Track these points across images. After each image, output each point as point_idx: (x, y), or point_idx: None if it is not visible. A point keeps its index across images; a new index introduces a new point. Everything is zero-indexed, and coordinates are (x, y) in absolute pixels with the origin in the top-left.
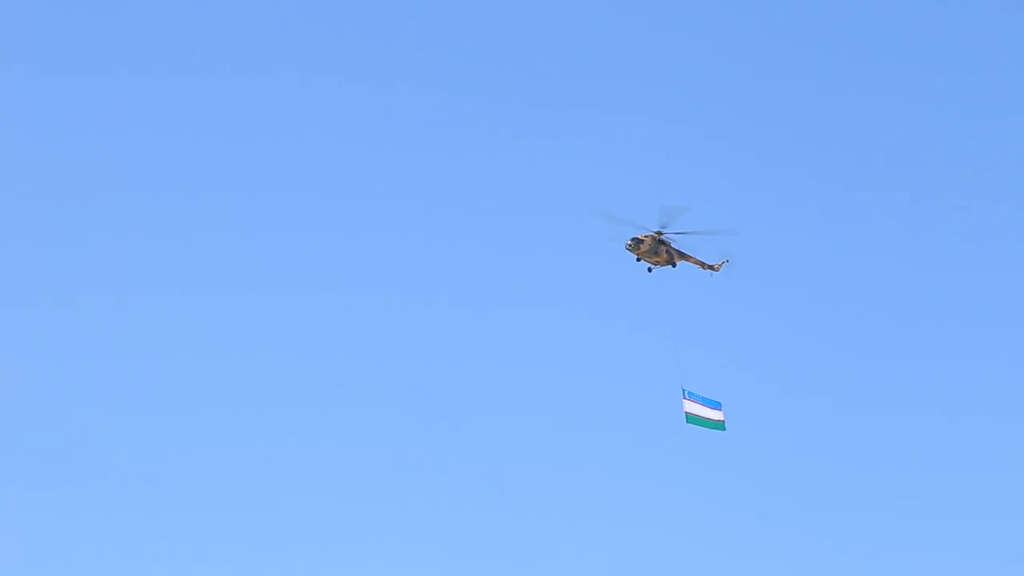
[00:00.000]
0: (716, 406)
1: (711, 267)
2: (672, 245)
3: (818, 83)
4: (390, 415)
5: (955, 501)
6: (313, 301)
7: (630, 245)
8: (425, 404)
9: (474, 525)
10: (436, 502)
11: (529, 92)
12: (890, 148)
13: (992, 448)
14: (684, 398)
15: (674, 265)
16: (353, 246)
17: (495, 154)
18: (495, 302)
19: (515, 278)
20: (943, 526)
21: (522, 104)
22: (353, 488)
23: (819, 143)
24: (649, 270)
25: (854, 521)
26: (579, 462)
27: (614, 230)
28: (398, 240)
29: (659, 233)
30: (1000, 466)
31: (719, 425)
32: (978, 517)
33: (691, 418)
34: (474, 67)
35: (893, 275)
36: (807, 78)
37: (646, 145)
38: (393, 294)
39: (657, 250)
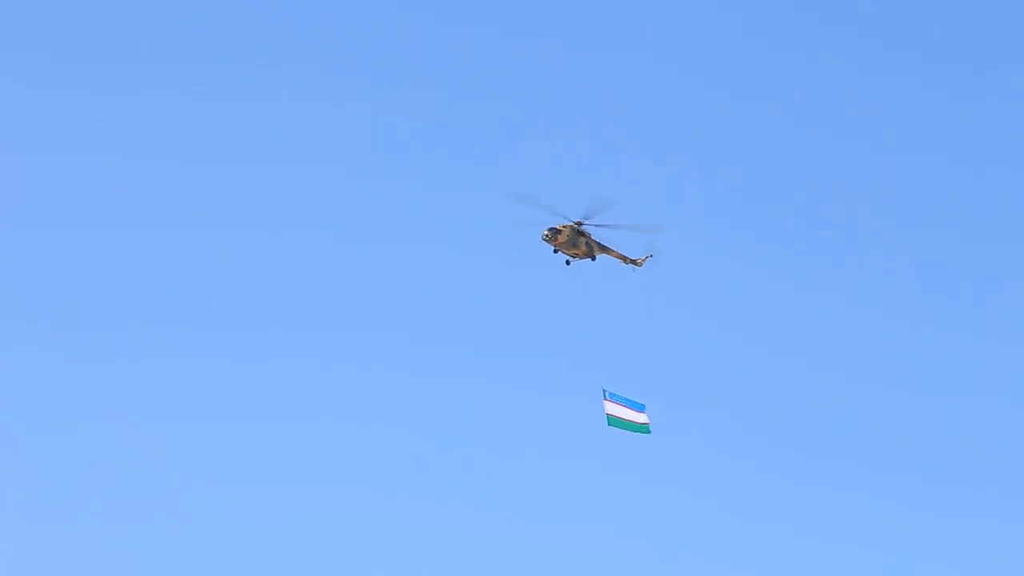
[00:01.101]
0: (640, 408)
1: (633, 262)
2: (592, 237)
3: (779, 86)
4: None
5: (892, 503)
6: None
7: (547, 235)
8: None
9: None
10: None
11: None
12: (850, 154)
13: (933, 453)
14: (605, 399)
15: (593, 258)
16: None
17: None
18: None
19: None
20: (878, 538)
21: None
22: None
23: (766, 143)
24: (567, 263)
25: (789, 535)
26: (490, 465)
27: (534, 217)
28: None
29: (579, 223)
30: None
31: (644, 428)
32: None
33: (613, 420)
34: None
35: (828, 275)
36: (767, 82)
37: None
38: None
39: (576, 241)
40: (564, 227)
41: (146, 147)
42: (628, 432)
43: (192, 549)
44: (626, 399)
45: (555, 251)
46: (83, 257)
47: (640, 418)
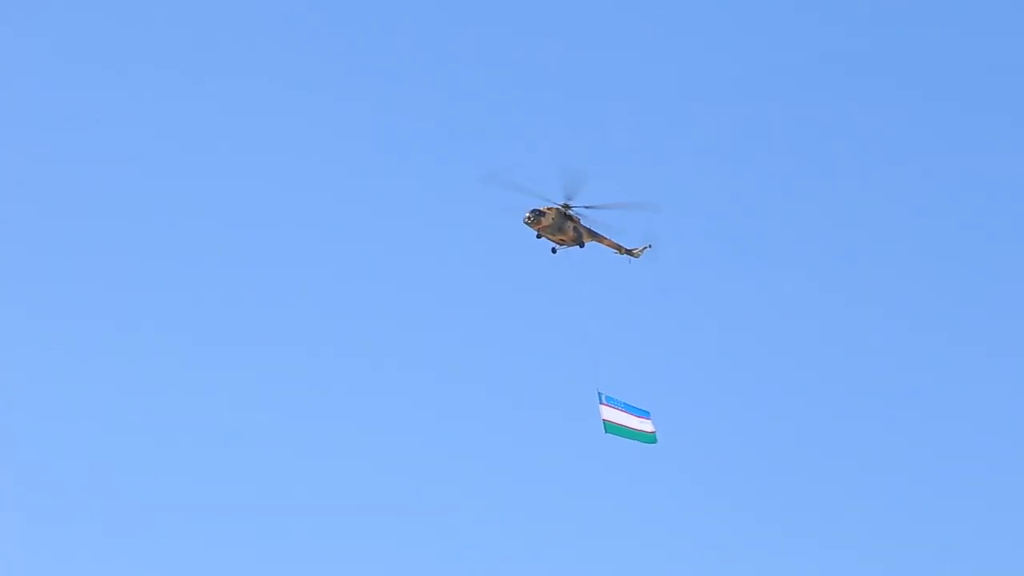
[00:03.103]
0: (643, 415)
1: (630, 252)
2: (581, 222)
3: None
4: None
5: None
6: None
7: (529, 219)
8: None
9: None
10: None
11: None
12: (863, 147)
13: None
14: (601, 403)
15: (582, 245)
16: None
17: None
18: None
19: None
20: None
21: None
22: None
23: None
24: (553, 250)
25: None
26: (477, 475)
27: (511, 198)
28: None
29: (565, 206)
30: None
31: (648, 437)
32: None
33: (611, 427)
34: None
35: (831, 269)
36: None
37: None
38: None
39: (562, 226)
40: (549, 209)
41: (144, 146)
42: (629, 441)
43: (188, 552)
44: (626, 404)
45: (538, 236)
46: (81, 257)
47: (644, 425)
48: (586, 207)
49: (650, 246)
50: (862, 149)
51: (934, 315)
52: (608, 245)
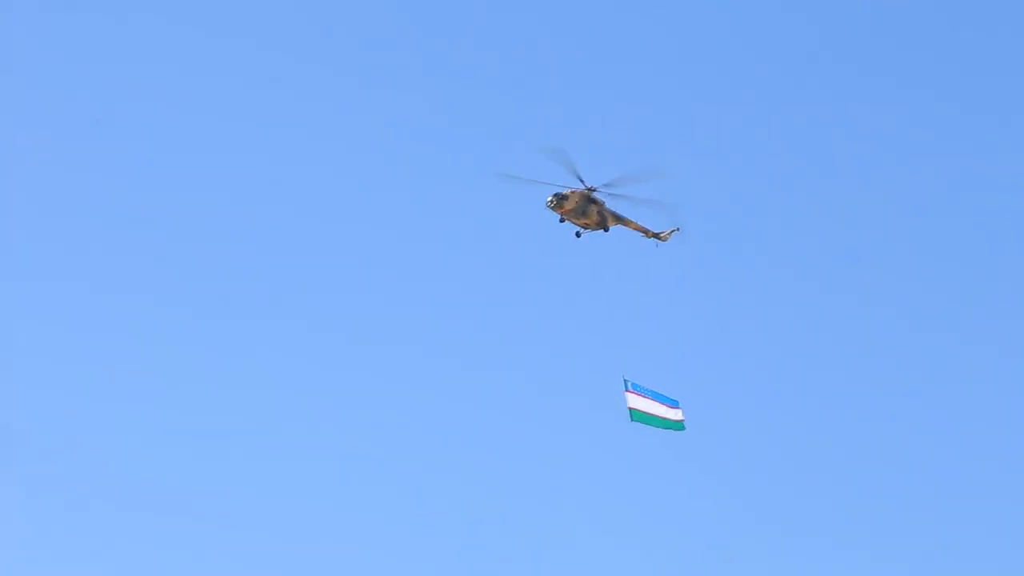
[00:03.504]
0: (671, 403)
1: (657, 236)
2: (606, 206)
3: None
4: None
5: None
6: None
7: (551, 202)
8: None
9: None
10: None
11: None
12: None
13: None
14: (627, 391)
15: (606, 229)
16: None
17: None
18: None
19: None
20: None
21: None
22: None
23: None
24: (577, 235)
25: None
26: (499, 468)
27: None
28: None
29: (590, 190)
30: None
31: (676, 425)
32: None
33: (637, 415)
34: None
35: (833, 269)
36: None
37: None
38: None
39: (586, 210)
40: (572, 192)
41: (144, 146)
42: (655, 429)
43: (188, 551)
44: (654, 392)
45: (561, 220)
46: (82, 257)
47: (672, 414)
48: (610, 192)
49: (678, 229)
50: (862, 149)
51: (960, 302)
52: (634, 228)
